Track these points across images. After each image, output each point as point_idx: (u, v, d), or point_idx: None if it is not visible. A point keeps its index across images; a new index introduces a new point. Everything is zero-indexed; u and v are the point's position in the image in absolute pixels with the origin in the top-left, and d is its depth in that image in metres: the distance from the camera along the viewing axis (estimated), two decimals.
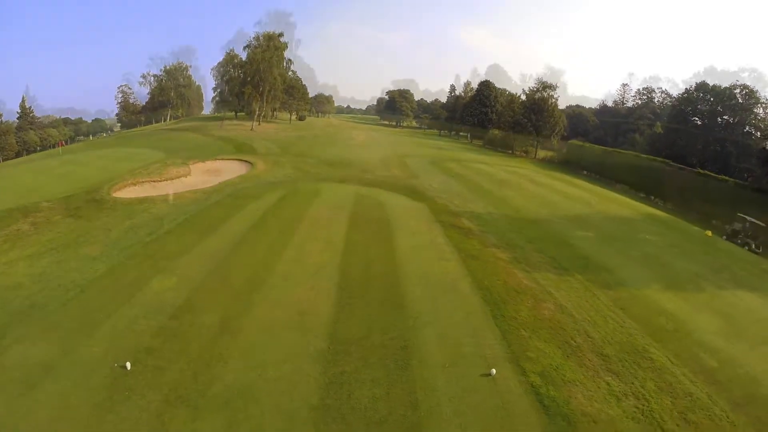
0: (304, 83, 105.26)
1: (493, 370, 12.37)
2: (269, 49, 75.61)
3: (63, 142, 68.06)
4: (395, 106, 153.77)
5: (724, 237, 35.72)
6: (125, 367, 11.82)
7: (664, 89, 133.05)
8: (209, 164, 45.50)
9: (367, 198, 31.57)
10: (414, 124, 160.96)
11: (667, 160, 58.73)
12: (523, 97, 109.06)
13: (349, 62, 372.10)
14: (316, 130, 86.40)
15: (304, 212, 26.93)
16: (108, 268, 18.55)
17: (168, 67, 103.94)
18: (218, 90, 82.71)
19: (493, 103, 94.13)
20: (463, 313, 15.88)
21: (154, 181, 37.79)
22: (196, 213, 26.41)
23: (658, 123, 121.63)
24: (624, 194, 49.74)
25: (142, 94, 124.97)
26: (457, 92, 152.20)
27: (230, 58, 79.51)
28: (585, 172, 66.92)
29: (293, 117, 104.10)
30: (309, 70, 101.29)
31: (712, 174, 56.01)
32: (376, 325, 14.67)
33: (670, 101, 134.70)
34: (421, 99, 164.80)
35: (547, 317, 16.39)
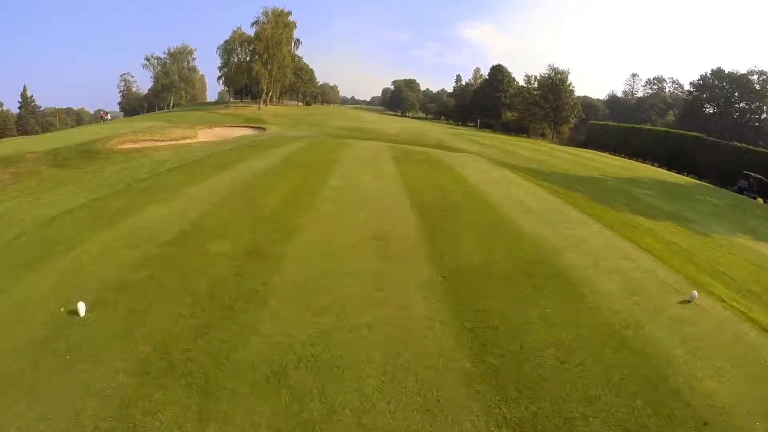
0: (311, 67, 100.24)
1: (694, 293, 7.87)
2: (278, 26, 70.42)
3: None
4: (401, 97, 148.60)
5: (734, 188, 35.96)
6: (76, 313, 6.66)
7: (675, 79, 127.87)
8: (218, 130, 40.67)
9: (404, 149, 26.83)
10: (420, 114, 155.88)
11: (700, 135, 53.63)
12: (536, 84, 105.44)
13: (348, 63, 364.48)
14: (325, 110, 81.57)
15: (337, 154, 22.10)
16: (90, 200, 13.61)
17: (172, 50, 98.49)
18: (224, 70, 77.20)
19: (506, 88, 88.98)
20: (599, 237, 11.00)
21: (156, 140, 32.95)
22: (207, 156, 21.53)
23: (672, 111, 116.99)
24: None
25: (144, 82, 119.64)
26: (464, 81, 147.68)
27: (237, 36, 74.17)
28: (609, 153, 62.35)
29: (300, 103, 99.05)
30: (308, 71, 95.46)
31: (751, 147, 51.11)
32: (496, 249, 9.65)
33: (681, 92, 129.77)
34: (427, 89, 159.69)
35: (677, 246, 12.28)
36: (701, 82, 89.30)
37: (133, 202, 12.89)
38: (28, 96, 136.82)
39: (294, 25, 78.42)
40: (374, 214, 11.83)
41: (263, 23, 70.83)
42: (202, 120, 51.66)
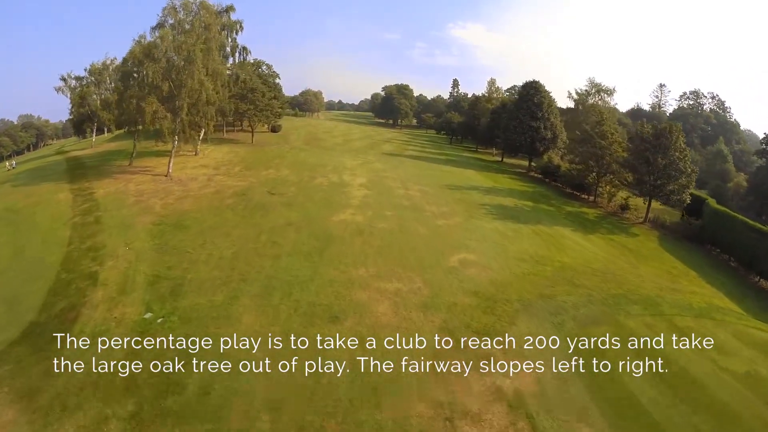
0: (276, 81, 63.68)
1: None
2: (192, 30, 34.20)
3: None
4: (393, 104, 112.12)
5: None
6: None
7: (715, 94, 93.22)
8: None
9: None
10: (414, 122, 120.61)
11: None
12: (571, 104, 70.20)
13: (334, 65, 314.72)
14: (285, 157, 46.55)
15: None
16: None
17: (96, 65, 60.54)
18: (123, 106, 40.18)
19: (546, 115, 53.91)
20: None
21: None
22: None
23: (721, 138, 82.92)
24: None
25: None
26: (460, 89, 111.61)
27: (140, 50, 37.23)
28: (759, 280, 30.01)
29: (263, 128, 62.96)
30: (264, 91, 56.34)
31: None
32: None
33: (720, 109, 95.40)
34: (421, 95, 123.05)
35: None
36: None
37: None
38: None
39: (237, 26, 42.60)
40: None
41: (169, 26, 34.59)
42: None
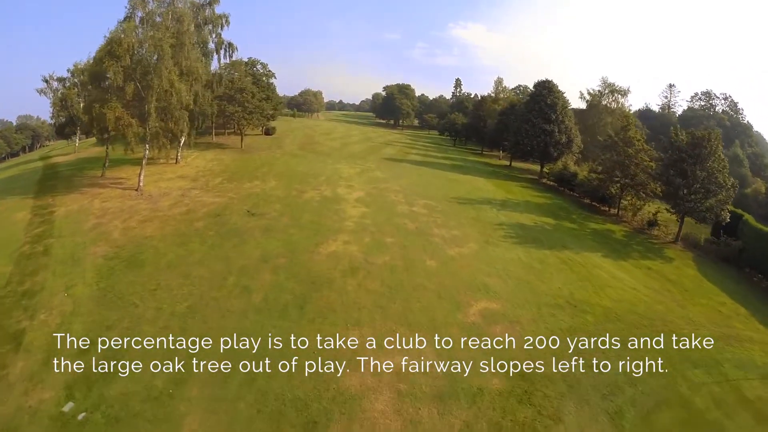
0: (270, 80, 58.32)
1: None
2: (162, 24, 29.02)
3: None
4: (394, 104, 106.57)
5: None
6: None
7: (728, 95, 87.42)
8: None
9: None
10: (416, 122, 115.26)
11: None
12: (581, 104, 64.69)
13: (335, 65, 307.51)
14: (275, 165, 41.75)
15: None
16: None
17: (79, 65, 54.98)
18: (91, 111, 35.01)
19: (560, 117, 48.63)
20: None
21: None
22: None
23: (737, 141, 77.59)
24: None
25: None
26: (462, 89, 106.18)
27: (113, 43, 31.93)
28: None
29: (256, 130, 57.83)
30: (254, 90, 50.35)
31: None
32: None
33: (732, 111, 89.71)
34: (422, 94, 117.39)
35: None
36: None
37: None
38: None
39: (222, 21, 37.67)
40: None
41: (138, 20, 29.45)
42: None
